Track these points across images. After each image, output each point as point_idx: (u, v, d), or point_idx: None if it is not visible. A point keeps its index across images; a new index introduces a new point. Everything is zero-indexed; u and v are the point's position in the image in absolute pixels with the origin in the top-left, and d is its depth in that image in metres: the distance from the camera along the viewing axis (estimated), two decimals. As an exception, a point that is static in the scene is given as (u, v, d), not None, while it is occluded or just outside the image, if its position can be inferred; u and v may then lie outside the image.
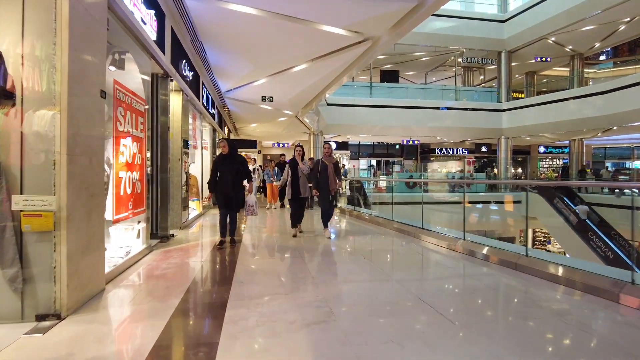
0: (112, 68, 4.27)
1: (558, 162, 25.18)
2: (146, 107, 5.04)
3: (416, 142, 20.69)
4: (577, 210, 16.22)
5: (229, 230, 5.66)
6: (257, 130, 17.83)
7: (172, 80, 6.20)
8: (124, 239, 4.74)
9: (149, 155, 5.23)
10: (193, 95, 8.01)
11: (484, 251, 4.63)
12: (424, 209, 12.67)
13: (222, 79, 9.68)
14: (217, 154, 6.17)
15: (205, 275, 3.98)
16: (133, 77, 4.70)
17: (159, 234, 5.95)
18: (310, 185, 6.60)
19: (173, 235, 6.18)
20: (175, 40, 6.40)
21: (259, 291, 3.38)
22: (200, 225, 7.86)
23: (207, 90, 9.85)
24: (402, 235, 6.53)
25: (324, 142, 6.69)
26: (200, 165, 9.30)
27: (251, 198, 6.20)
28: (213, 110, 11.22)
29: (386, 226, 7.36)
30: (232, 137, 19.81)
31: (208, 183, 5.76)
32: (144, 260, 4.62)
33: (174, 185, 6.88)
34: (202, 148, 9.37)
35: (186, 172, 8.83)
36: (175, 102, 6.94)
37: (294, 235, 6.33)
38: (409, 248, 5.58)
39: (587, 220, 15.53)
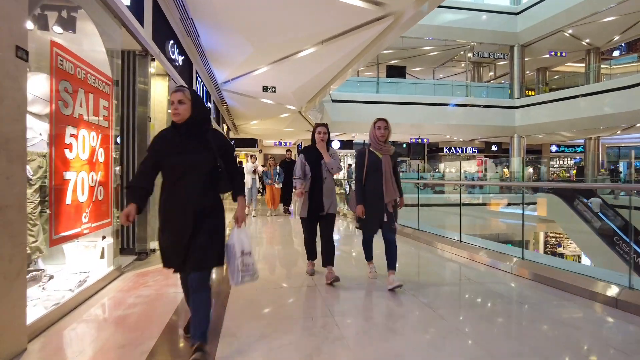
0: (58, 29, 3.07)
1: (569, 162, 23.97)
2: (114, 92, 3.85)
3: (425, 140, 19.50)
4: (589, 204, 15.23)
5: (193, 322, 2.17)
6: (258, 127, 16.65)
7: (153, 60, 4.99)
8: (82, 261, 3.55)
9: (115, 152, 4.02)
10: (184, 83, 6.81)
11: (563, 279, 3.42)
12: (437, 212, 11.30)
13: (218, 67, 8.48)
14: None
15: (184, 318, 2.78)
16: (93, 47, 3.50)
17: (136, 248, 4.75)
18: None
19: (154, 250, 4.97)
20: (159, 13, 5.20)
21: (259, 354, 2.18)
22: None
23: (201, 81, 8.65)
24: (429, 248, 5.32)
25: (377, 118, 3.67)
26: (193, 165, 8.13)
27: (243, 238, 2.38)
28: (209, 104, 10.02)
29: (402, 235, 6.17)
30: (232, 135, 18.58)
31: (127, 188, 2.50)
32: (107, 289, 3.41)
33: (157, 187, 5.67)
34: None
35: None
36: (160, 88, 5.74)
37: (311, 274, 3.86)
38: (450, 268, 4.39)
39: (600, 214, 14.37)
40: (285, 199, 9.89)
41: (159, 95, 5.72)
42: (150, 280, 3.70)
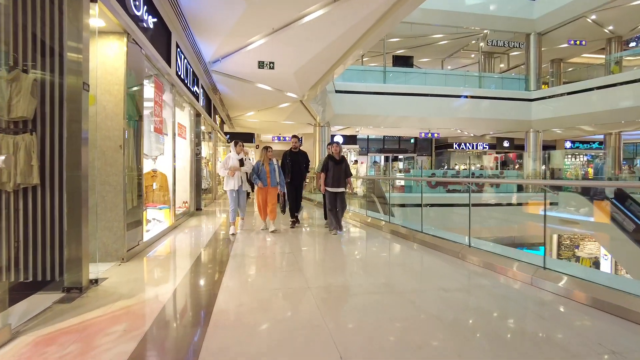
0: None
1: (582, 159, 22.43)
2: None
3: (436, 135, 17.86)
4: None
5: None
6: (255, 120, 14.97)
7: (94, 0, 3.32)
8: None
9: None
10: (156, 53, 5.14)
11: None
12: (453, 214, 9.72)
13: (204, 38, 6.80)
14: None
15: None
16: None
17: (64, 281, 3.11)
18: None
19: (96, 281, 3.32)
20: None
21: None
22: (169, 249, 5.01)
23: (184, 58, 6.97)
24: (492, 277, 3.71)
25: None
26: (171, 159, 6.42)
27: None
28: (196, 88, 8.35)
29: (416, 242, 4.57)
30: (227, 129, 16.92)
31: None
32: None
33: (112, 188, 4.04)
34: (174, 134, 6.50)
35: (154, 170, 6.01)
36: (113, 50, 4.07)
37: None
38: (542, 316, 2.78)
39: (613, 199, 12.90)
40: (292, 206, 6.69)
41: (113, 60, 4.05)
42: (52, 356, 2.06)
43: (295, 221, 6.62)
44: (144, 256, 4.48)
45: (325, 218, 6.68)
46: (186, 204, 7.72)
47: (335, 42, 6.93)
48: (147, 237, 4.97)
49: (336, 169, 5.89)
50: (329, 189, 5.93)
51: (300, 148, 6.77)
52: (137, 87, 4.53)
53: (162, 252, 4.72)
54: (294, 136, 6.75)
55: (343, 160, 6.02)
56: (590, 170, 20.58)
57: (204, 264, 4.23)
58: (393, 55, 18.77)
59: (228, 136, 17.45)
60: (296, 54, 7.27)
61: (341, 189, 5.94)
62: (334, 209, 5.93)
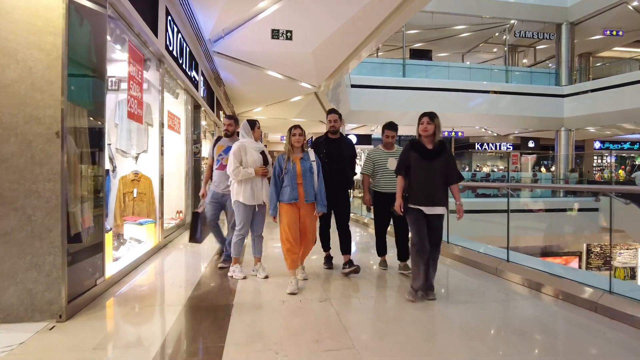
0: None
1: (609, 160, 20.58)
2: None
3: (459, 133, 16.18)
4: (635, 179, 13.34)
5: None
6: (263, 117, 13.37)
7: None
8: None
9: None
10: (132, 8, 3.52)
11: None
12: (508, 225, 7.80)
13: (202, 4, 5.20)
14: None
15: None
16: None
17: None
18: None
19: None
20: None
21: None
22: (143, 290, 3.38)
23: (178, 31, 5.36)
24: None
25: None
26: (157, 157, 4.79)
27: None
28: (194, 74, 6.75)
29: (501, 277, 2.92)
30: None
31: None
32: None
33: (44, 202, 2.45)
34: (162, 125, 4.87)
35: (135, 173, 4.45)
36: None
37: None
38: None
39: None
40: (323, 235, 3.80)
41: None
42: None
43: (329, 258, 3.80)
44: (103, 303, 2.87)
45: (380, 254, 3.85)
46: (180, 215, 6.12)
47: (357, 17, 5.31)
48: (115, 269, 3.36)
49: (428, 167, 2.85)
50: (414, 207, 2.87)
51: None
52: (95, 46, 2.92)
53: (132, 298, 3.08)
54: (333, 111, 3.70)
55: (442, 150, 2.90)
56: (622, 173, 18.80)
57: (189, 327, 2.59)
58: (410, 49, 17.14)
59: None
60: (316, 27, 5.67)
61: (439, 209, 2.88)
62: (423, 247, 2.81)
